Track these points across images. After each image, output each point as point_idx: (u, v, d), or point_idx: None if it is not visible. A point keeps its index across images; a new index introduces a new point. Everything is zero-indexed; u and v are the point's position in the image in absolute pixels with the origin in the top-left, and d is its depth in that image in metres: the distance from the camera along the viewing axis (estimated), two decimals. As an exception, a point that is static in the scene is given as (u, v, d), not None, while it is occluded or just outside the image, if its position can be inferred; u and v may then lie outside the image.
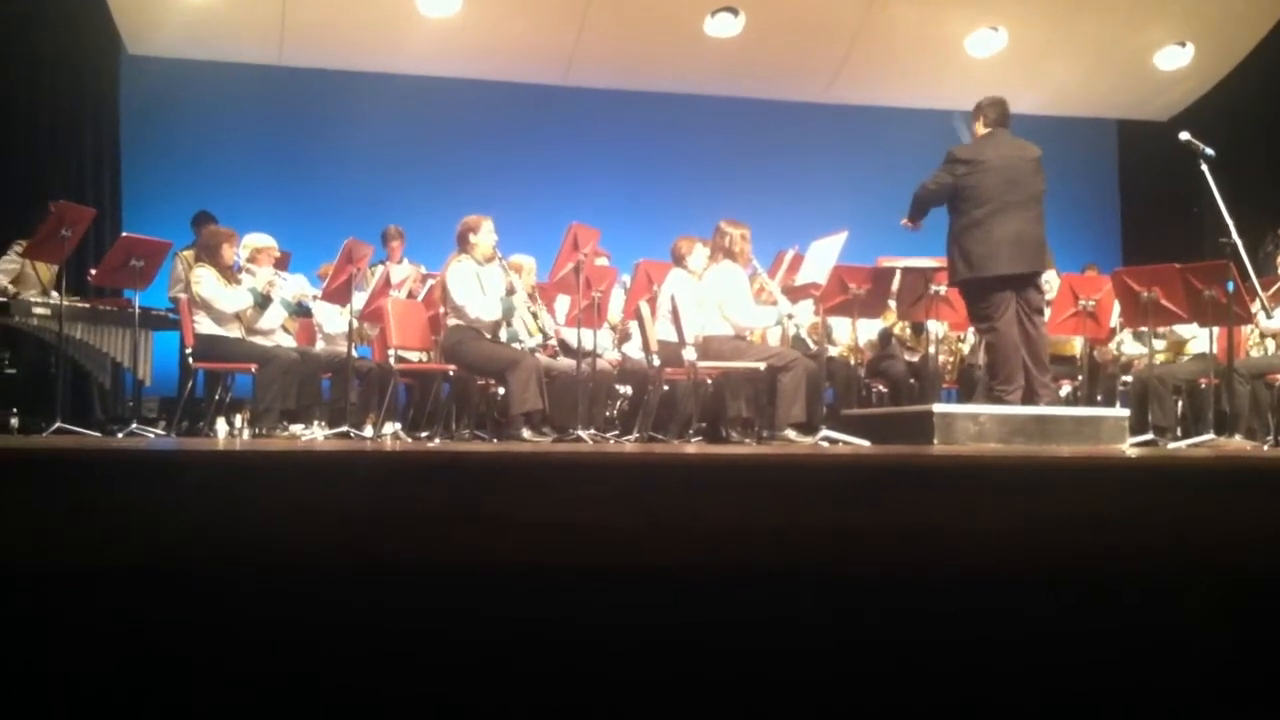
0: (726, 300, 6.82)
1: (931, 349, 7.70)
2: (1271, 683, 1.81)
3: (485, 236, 7.05)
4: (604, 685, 1.75)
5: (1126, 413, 6.60)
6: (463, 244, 7.06)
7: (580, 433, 6.67)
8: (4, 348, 7.49)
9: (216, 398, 7.35)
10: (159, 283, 7.18)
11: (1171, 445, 6.68)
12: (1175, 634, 1.81)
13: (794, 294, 7.22)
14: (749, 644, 1.77)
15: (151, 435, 6.89)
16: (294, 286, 7.46)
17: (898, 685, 1.79)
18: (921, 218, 6.45)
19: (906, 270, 7.25)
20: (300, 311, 7.61)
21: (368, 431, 7.14)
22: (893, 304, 7.60)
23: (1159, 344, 7.86)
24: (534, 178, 10.53)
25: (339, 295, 7.21)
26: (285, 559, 1.68)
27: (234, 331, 7.08)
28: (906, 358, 8.21)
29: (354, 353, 7.31)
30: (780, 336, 7.37)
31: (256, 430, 6.92)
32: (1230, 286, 6.28)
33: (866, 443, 6.21)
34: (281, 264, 7.87)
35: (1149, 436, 7.07)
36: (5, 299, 7.15)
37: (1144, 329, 7.33)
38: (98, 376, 7.72)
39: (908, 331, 8.30)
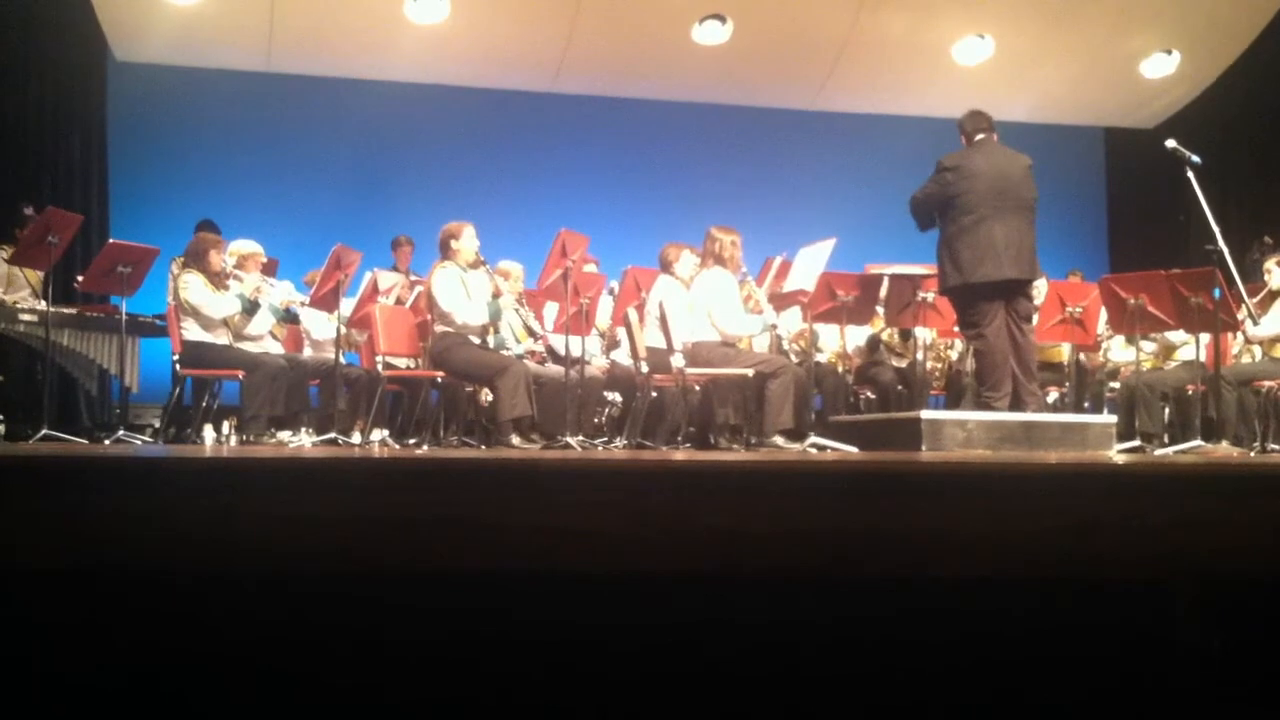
0: (715, 307, 6.82)
1: (919, 355, 7.71)
2: (1259, 682, 1.81)
3: (467, 242, 7.05)
4: (594, 686, 1.75)
5: (1114, 419, 6.61)
6: (445, 251, 7.05)
7: (569, 439, 6.67)
8: (-10, 354, 7.47)
9: (204, 404, 7.33)
10: (146, 289, 7.16)
11: (1158, 451, 6.71)
12: (1164, 635, 1.82)
13: (782, 301, 7.23)
14: (738, 646, 1.77)
15: (138, 442, 6.87)
16: (281, 292, 7.45)
17: (888, 686, 1.80)
18: (933, 223, 6.42)
19: (894, 277, 7.26)
20: (288, 318, 7.59)
21: (355, 438, 7.13)
22: (881, 310, 7.61)
23: (1150, 347, 7.88)
24: (522, 184, 10.54)
25: (327, 301, 7.20)
26: (273, 564, 1.68)
27: (221, 338, 7.06)
28: (894, 364, 8.22)
29: (342, 359, 7.29)
30: (769, 343, 7.37)
31: (244, 437, 6.90)
32: (1217, 293, 6.30)
33: (854, 449, 6.21)
34: (269, 270, 7.85)
35: (1136, 443, 7.09)
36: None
37: (1135, 334, 7.34)
38: (84, 383, 7.70)
39: (896, 338, 8.31)
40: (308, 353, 7.96)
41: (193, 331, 6.96)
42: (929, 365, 8.08)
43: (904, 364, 8.17)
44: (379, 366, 7.25)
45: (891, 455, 5.02)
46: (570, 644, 1.74)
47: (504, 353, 7.04)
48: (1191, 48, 10.48)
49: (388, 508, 1.69)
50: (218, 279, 7.11)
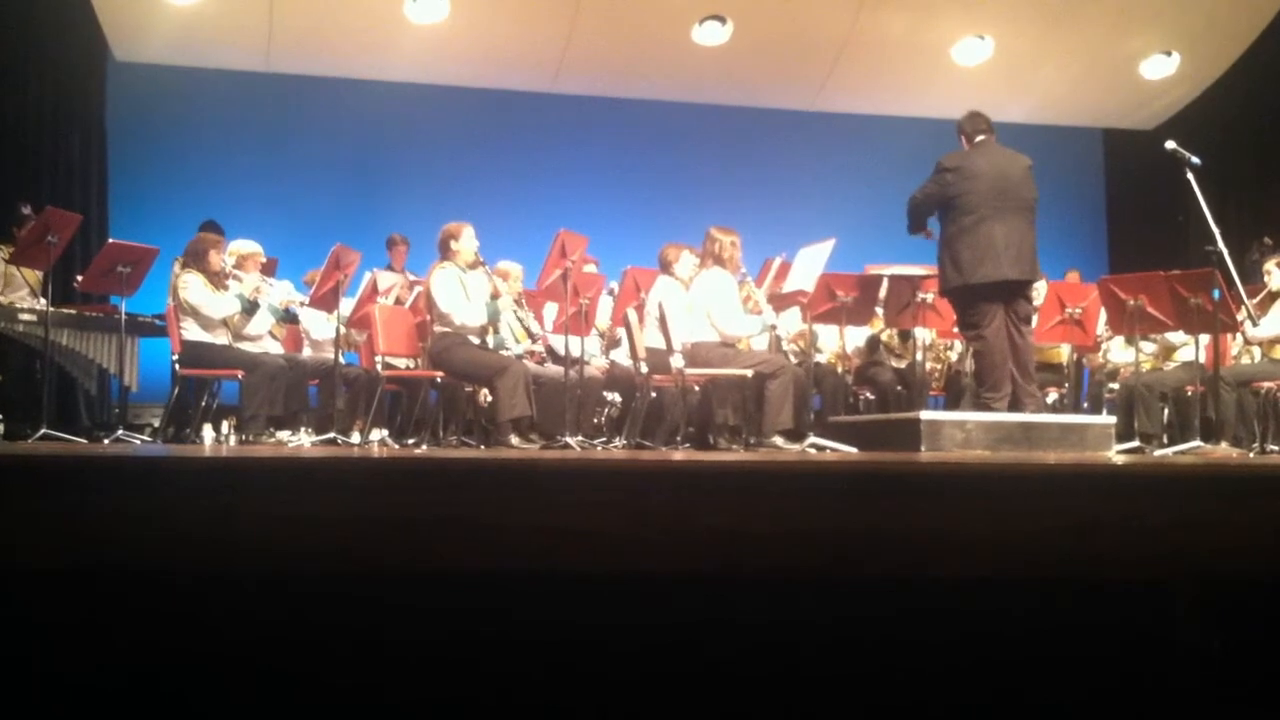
0: (714, 307, 6.82)
1: (919, 356, 7.71)
2: (1259, 682, 1.81)
3: (466, 242, 7.05)
4: (594, 686, 1.75)
5: (1113, 420, 6.61)
6: (445, 251, 7.05)
7: (568, 439, 6.67)
8: (-10, 354, 7.47)
9: (204, 404, 7.32)
10: (146, 289, 7.16)
11: (1158, 452, 6.70)
12: (1164, 635, 1.82)
13: (781, 301, 7.22)
14: (738, 646, 1.77)
15: (137, 442, 6.87)
16: (281, 292, 7.45)
17: (888, 686, 1.80)
18: (923, 226, 6.44)
19: (894, 278, 7.26)
20: (287, 317, 7.60)
21: (355, 438, 7.12)
22: (880, 311, 7.61)
23: (1150, 348, 7.87)
24: (522, 184, 10.54)
25: (326, 301, 7.20)
26: (273, 564, 1.68)
27: (221, 338, 7.06)
28: (894, 365, 8.22)
29: (341, 359, 7.29)
30: (768, 343, 7.37)
31: (243, 437, 6.90)
32: (1216, 294, 6.30)
33: (854, 450, 6.21)
34: (268, 270, 7.85)
35: (1135, 444, 7.09)
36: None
37: (1134, 335, 7.34)
38: (84, 383, 7.70)
39: (895, 339, 8.31)
40: (307, 352, 7.96)
41: (192, 331, 6.96)
42: (928, 366, 8.08)
43: (903, 365, 8.17)
44: (378, 366, 7.25)
45: (891, 456, 5.02)
46: (570, 644, 1.74)
47: (503, 353, 7.04)
48: (1191, 48, 10.48)
49: (388, 508, 1.69)
50: (217, 279, 7.11)
